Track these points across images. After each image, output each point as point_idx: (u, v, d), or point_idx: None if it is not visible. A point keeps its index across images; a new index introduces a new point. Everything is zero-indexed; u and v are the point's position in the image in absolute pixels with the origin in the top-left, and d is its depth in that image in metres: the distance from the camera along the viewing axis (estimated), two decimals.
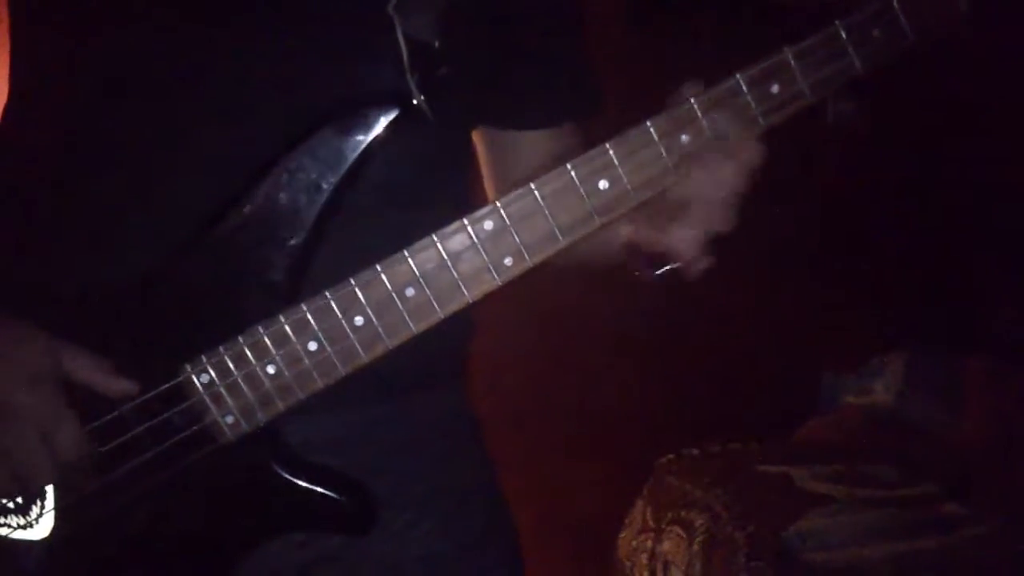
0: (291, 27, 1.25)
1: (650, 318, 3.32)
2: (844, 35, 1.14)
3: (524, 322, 3.14)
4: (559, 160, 1.20)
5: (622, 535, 3.04)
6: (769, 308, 3.56)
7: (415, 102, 1.20)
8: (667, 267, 1.28)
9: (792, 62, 1.15)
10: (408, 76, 1.22)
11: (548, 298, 2.87)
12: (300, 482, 1.26)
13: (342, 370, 1.22)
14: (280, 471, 1.26)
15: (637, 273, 1.31)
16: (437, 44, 1.24)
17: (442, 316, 1.21)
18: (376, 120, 1.19)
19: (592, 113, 1.51)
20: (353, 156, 1.19)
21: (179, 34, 1.24)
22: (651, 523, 2.94)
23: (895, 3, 1.16)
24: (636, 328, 3.37)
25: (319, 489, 1.26)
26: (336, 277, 1.20)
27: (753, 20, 3.25)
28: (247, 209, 1.20)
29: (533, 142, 1.49)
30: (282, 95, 1.23)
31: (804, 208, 3.53)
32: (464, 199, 1.41)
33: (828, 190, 3.59)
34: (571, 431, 3.41)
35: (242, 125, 1.23)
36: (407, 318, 1.20)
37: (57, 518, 1.24)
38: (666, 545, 2.83)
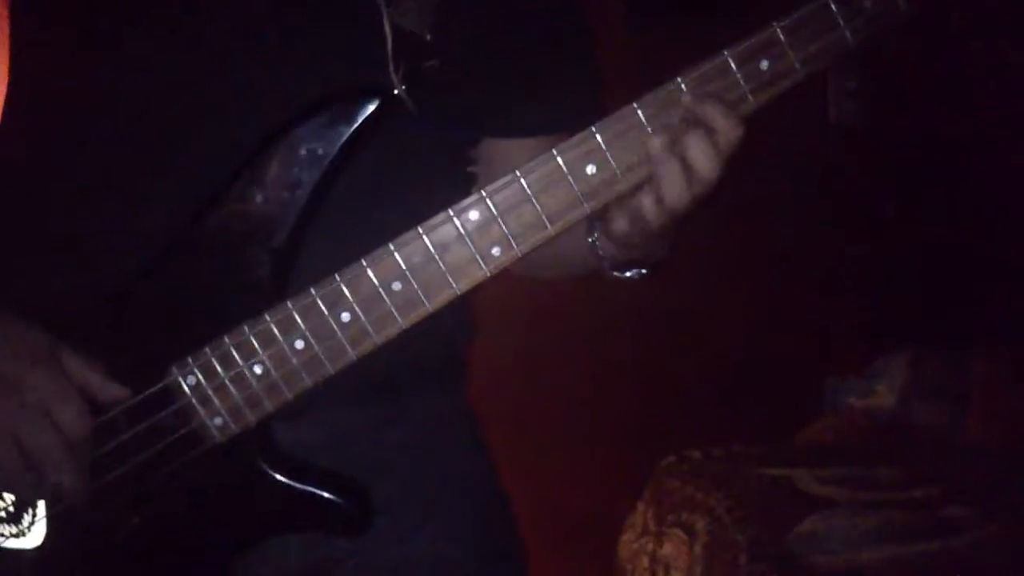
0: (277, 18, 1.23)
1: (653, 319, 3.30)
2: (834, 7, 1.12)
3: (527, 322, 3.13)
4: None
5: (623, 538, 3.01)
6: (773, 310, 3.54)
7: (396, 92, 1.18)
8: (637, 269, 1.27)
9: (782, 37, 1.13)
10: (391, 66, 1.20)
11: (551, 298, 2.86)
12: (293, 483, 1.24)
13: (330, 368, 1.20)
14: (272, 473, 1.24)
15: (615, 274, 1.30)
16: (429, 37, 1.22)
17: (431, 309, 1.18)
18: (356, 113, 1.16)
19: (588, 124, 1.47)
20: (333, 151, 1.17)
21: (166, 30, 1.23)
22: (652, 526, 2.91)
23: None
24: (639, 329, 3.35)
25: (313, 490, 1.24)
26: (321, 274, 1.18)
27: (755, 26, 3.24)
28: (229, 208, 1.19)
29: (524, 153, 1.42)
30: (268, 90, 1.21)
31: (806, 208, 3.52)
32: (453, 196, 1.39)
33: (831, 190, 3.58)
34: (573, 432, 3.39)
35: (228, 123, 1.22)
36: (395, 312, 1.18)
37: (49, 525, 1.22)
38: (667, 548, 2.80)
